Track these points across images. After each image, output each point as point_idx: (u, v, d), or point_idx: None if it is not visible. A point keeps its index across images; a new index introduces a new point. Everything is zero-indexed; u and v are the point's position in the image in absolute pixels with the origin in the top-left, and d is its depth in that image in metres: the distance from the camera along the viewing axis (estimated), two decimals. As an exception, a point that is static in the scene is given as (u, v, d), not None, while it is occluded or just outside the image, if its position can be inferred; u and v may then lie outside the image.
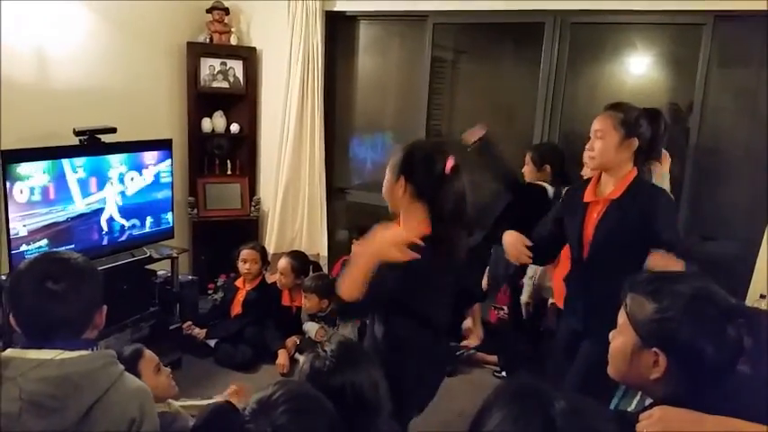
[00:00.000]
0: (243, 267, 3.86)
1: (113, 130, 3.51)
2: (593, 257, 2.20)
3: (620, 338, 1.22)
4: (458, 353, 3.70)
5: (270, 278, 4.02)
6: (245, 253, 3.85)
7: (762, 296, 3.00)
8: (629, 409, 1.44)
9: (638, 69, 3.75)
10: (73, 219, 3.32)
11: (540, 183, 3.22)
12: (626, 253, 2.05)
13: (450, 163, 1.81)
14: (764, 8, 3.12)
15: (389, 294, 1.70)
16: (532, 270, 3.40)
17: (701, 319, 1.11)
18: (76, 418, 1.29)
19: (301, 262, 3.89)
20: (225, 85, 4.47)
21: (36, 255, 1.45)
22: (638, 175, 2.17)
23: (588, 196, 2.23)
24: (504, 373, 3.60)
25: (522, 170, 3.36)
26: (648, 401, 1.25)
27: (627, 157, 2.14)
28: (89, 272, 1.41)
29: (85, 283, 1.38)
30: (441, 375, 2.13)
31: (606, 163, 2.15)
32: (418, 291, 1.79)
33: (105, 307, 1.44)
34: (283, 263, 3.82)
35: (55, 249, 3.03)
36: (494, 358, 3.70)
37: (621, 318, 1.23)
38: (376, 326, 1.95)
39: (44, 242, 3.16)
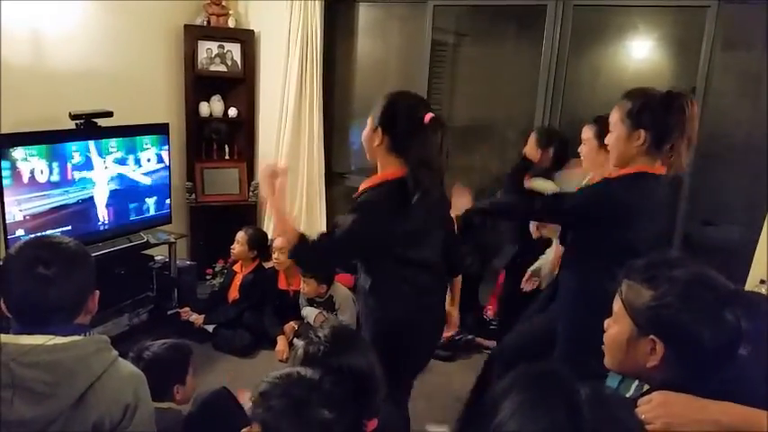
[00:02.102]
0: (233, 249, 3.87)
1: (110, 114, 3.48)
2: (567, 241, 2.24)
3: (616, 327, 1.20)
4: (456, 338, 3.70)
5: (269, 263, 4.00)
6: (237, 235, 3.84)
7: (762, 281, 2.99)
8: (627, 395, 1.43)
9: (640, 52, 3.71)
10: (69, 204, 3.29)
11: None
12: (586, 240, 2.07)
13: (429, 115, 1.87)
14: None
15: (354, 238, 1.83)
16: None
17: (699, 305, 1.09)
18: (69, 403, 1.27)
19: None
20: (222, 68, 4.42)
21: (27, 239, 1.42)
22: (648, 173, 1.94)
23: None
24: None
25: (524, 150, 3.31)
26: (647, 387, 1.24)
27: (637, 152, 1.94)
28: (81, 256, 1.38)
29: (77, 267, 1.36)
30: (433, 326, 2.12)
31: (618, 157, 1.99)
32: (396, 229, 1.88)
33: (98, 292, 1.41)
34: (282, 241, 3.78)
35: (47, 233, 3.01)
36: (492, 343, 3.69)
37: (617, 305, 1.20)
38: (362, 277, 2.04)
39: (40, 227, 3.13)
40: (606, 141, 2.07)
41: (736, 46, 3.45)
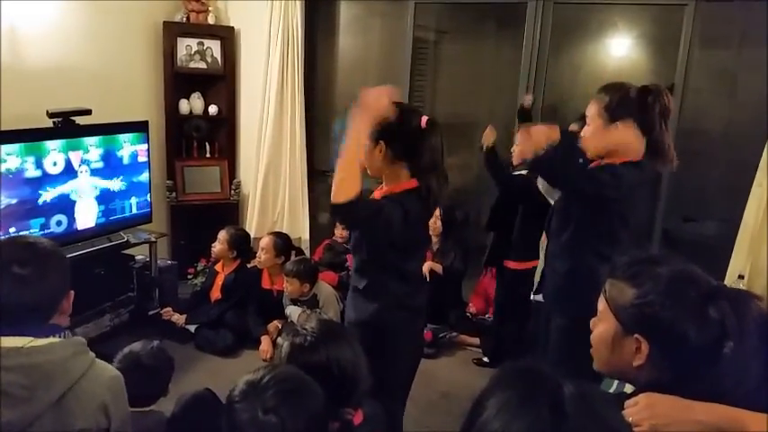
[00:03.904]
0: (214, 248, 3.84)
1: (88, 112, 3.42)
2: (549, 231, 2.25)
3: (601, 326, 1.20)
4: (440, 335, 3.70)
5: (251, 263, 3.98)
6: (219, 234, 3.82)
7: (740, 276, 3.03)
8: (609, 391, 1.44)
9: (620, 50, 3.74)
10: (48, 204, 3.24)
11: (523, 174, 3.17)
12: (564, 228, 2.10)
13: (424, 118, 1.89)
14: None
15: (382, 224, 1.78)
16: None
17: (682, 302, 1.09)
18: (47, 407, 1.25)
19: (284, 242, 3.84)
20: (202, 65, 4.38)
21: (0, 239, 1.40)
22: (626, 163, 1.98)
23: None
24: (486, 359, 3.58)
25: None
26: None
27: (617, 143, 1.99)
28: (56, 256, 1.36)
29: (52, 267, 1.34)
30: (414, 332, 2.13)
31: (594, 149, 2.04)
32: (405, 235, 1.87)
33: (72, 292, 1.40)
34: (266, 240, 3.77)
35: (21, 233, 2.96)
36: (475, 340, 3.70)
37: (602, 305, 1.20)
38: (354, 277, 2.04)
39: (17, 227, 3.08)
40: (582, 134, 2.10)
41: (713, 43, 3.48)
